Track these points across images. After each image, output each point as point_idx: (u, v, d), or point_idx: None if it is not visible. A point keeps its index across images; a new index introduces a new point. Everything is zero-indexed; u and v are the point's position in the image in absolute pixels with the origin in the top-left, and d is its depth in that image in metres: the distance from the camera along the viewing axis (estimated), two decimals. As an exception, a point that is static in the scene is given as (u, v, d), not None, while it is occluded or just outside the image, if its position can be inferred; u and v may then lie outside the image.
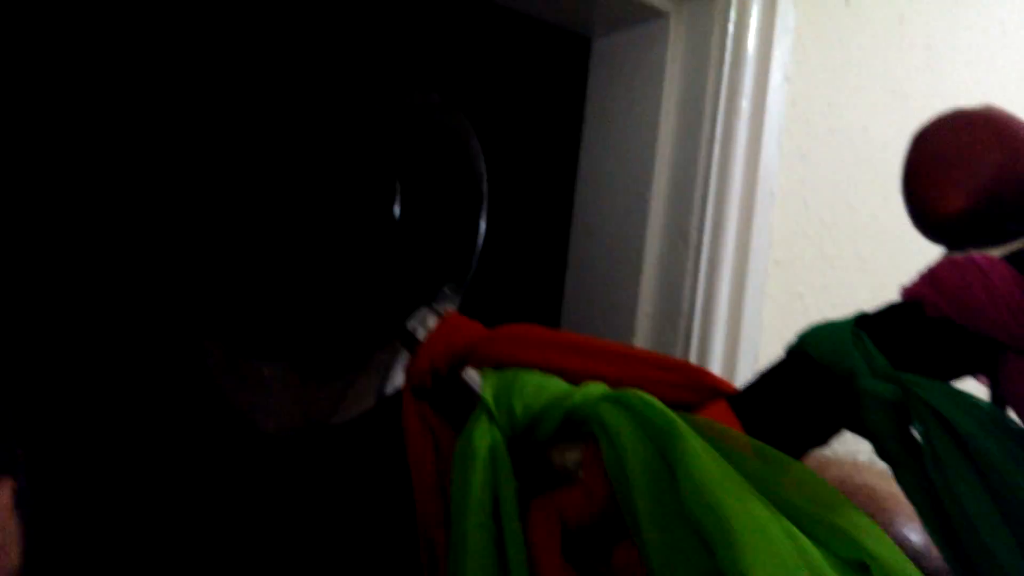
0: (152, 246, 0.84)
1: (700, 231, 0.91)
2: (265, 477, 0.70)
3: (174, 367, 0.84)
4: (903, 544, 0.58)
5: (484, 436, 0.50)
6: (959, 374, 0.47)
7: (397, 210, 0.69)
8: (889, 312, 0.49)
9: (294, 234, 0.70)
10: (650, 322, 0.93)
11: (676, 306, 0.93)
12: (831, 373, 0.48)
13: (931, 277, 0.47)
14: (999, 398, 0.47)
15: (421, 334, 0.59)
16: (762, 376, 0.53)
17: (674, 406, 0.57)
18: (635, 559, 0.43)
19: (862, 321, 0.49)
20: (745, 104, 0.91)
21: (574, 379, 0.54)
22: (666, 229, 0.93)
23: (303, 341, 0.67)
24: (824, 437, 0.50)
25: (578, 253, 1.01)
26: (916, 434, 0.46)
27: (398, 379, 0.62)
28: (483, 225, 0.63)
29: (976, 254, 0.47)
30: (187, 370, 0.82)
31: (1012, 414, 0.46)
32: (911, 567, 0.36)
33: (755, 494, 0.39)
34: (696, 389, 0.56)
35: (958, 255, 0.48)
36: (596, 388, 0.51)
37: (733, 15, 0.93)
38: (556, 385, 0.52)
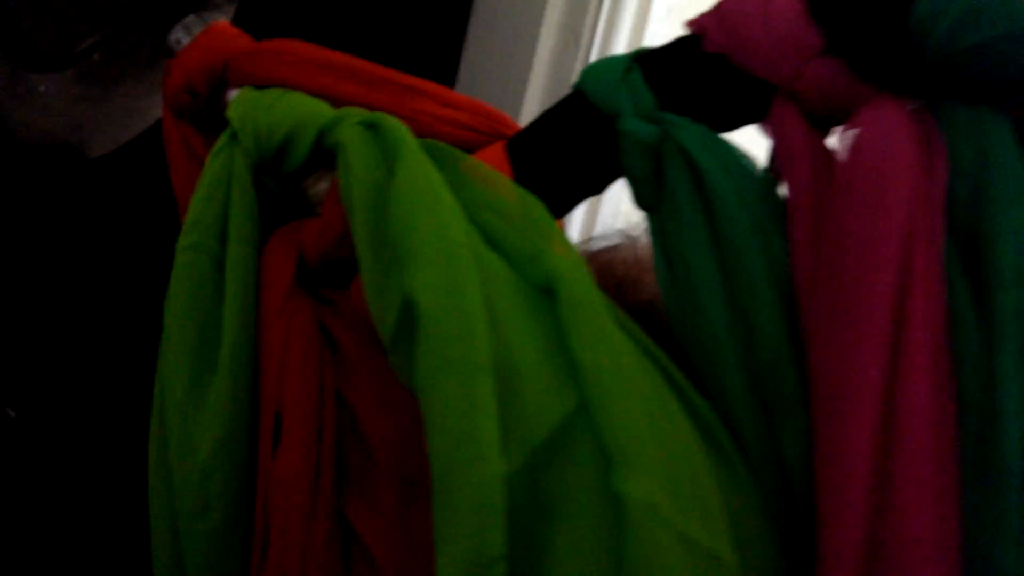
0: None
1: (593, 32, 0.90)
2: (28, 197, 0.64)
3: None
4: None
5: (220, 154, 0.45)
6: (734, 122, 0.44)
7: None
8: (669, 47, 0.44)
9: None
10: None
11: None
12: (599, 113, 0.44)
13: (717, 8, 0.42)
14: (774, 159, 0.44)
15: (180, 44, 0.52)
16: (542, 115, 0.48)
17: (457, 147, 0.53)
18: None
19: (642, 56, 0.44)
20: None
21: (344, 106, 0.49)
22: (560, 28, 0.92)
23: (73, 47, 0.59)
24: (597, 185, 0.47)
25: (474, 45, 0.97)
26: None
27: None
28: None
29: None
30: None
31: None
32: (598, 296, 0.35)
33: (463, 221, 0.37)
34: (481, 130, 0.52)
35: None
36: (354, 111, 0.46)
37: None
38: (314, 107, 0.47)
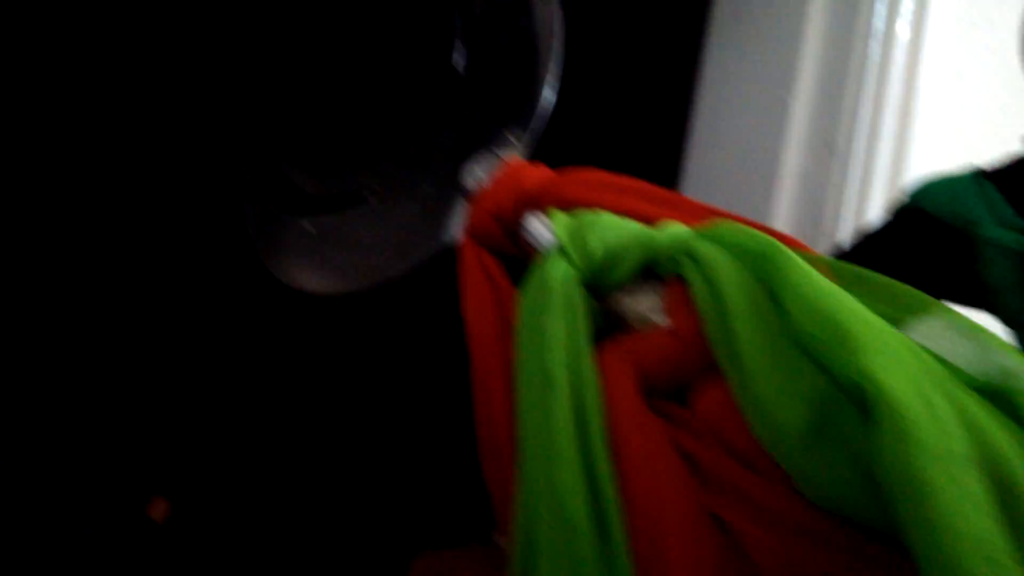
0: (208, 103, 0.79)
1: (850, 139, 0.78)
2: (310, 338, 0.66)
3: (216, 237, 0.81)
4: None
5: (558, 271, 0.46)
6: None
7: (458, 58, 0.64)
8: (1016, 163, 0.44)
9: (353, 80, 0.66)
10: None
11: (817, 223, 0.79)
12: (947, 226, 0.43)
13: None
14: None
15: (480, 178, 0.55)
16: (866, 237, 0.48)
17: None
18: (723, 399, 0.39)
19: (984, 173, 0.44)
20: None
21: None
22: (809, 137, 0.81)
23: (355, 186, 0.63)
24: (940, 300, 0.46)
25: (698, 163, 0.87)
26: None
27: (457, 229, 0.58)
28: (551, 72, 0.58)
29: None
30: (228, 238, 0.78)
31: None
32: None
33: (870, 311, 0.35)
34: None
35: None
36: (681, 228, 0.47)
37: None
38: (636, 226, 0.48)
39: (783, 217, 0.80)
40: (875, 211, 0.76)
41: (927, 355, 0.34)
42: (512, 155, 0.56)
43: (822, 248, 0.77)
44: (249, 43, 0.72)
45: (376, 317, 0.62)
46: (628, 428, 0.40)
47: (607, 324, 0.49)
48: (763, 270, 0.39)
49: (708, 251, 0.42)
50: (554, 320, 0.43)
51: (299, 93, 0.72)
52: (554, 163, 0.57)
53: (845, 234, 0.75)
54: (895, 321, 0.37)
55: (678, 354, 0.42)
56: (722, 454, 0.39)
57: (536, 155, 0.62)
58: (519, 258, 0.53)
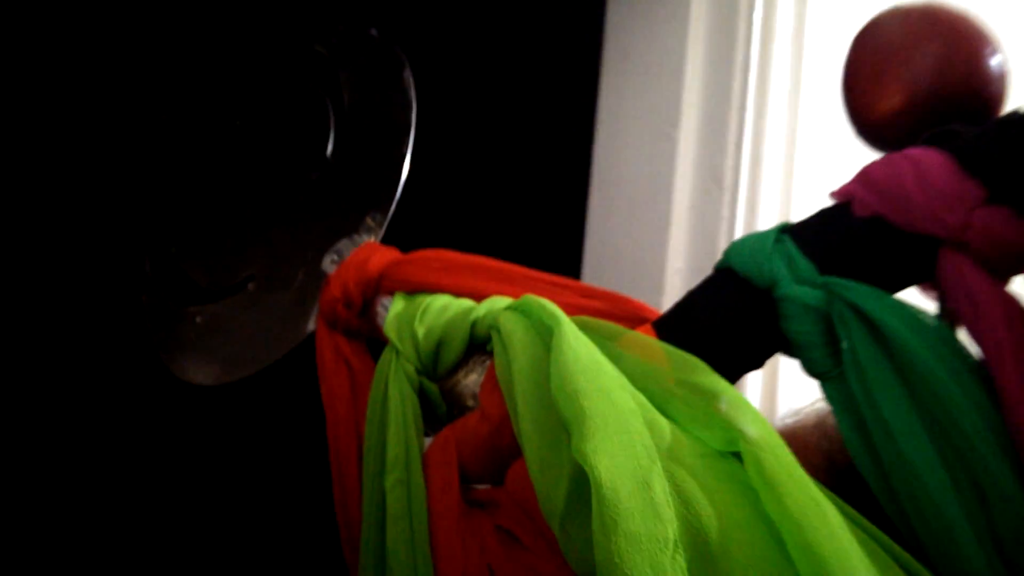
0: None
1: (736, 171, 0.78)
2: (194, 427, 0.67)
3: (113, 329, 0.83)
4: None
5: (388, 363, 0.46)
6: (898, 282, 0.43)
7: (330, 147, 0.66)
8: (817, 217, 0.44)
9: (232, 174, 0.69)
10: (681, 278, 0.81)
11: (711, 258, 0.74)
12: (751, 285, 0.44)
13: (862, 175, 0.43)
14: (946, 311, 0.43)
15: (337, 264, 0.56)
16: (686, 296, 0.48)
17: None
18: (523, 472, 0.40)
19: (789, 228, 0.45)
20: (785, 24, 0.78)
21: None
22: (697, 171, 0.80)
23: (240, 278, 0.64)
24: (756, 358, 0.46)
25: (599, 204, 0.87)
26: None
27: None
28: (407, 154, 0.60)
29: (911, 148, 0.43)
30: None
31: (961, 333, 0.41)
32: (793, 459, 0.32)
33: (629, 388, 0.36)
34: (621, 316, 0.52)
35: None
36: (501, 301, 0.47)
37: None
38: (461, 305, 0.49)
39: (681, 253, 0.79)
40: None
41: (679, 433, 0.34)
42: (368, 240, 0.57)
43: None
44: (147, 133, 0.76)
45: (254, 405, 0.63)
46: (447, 536, 0.40)
47: (451, 404, 0.50)
48: (548, 344, 0.40)
49: (510, 324, 0.43)
50: (391, 440, 0.44)
51: (191, 184, 0.74)
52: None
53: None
54: (678, 403, 0.37)
55: (490, 438, 0.42)
56: (527, 530, 0.39)
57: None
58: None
